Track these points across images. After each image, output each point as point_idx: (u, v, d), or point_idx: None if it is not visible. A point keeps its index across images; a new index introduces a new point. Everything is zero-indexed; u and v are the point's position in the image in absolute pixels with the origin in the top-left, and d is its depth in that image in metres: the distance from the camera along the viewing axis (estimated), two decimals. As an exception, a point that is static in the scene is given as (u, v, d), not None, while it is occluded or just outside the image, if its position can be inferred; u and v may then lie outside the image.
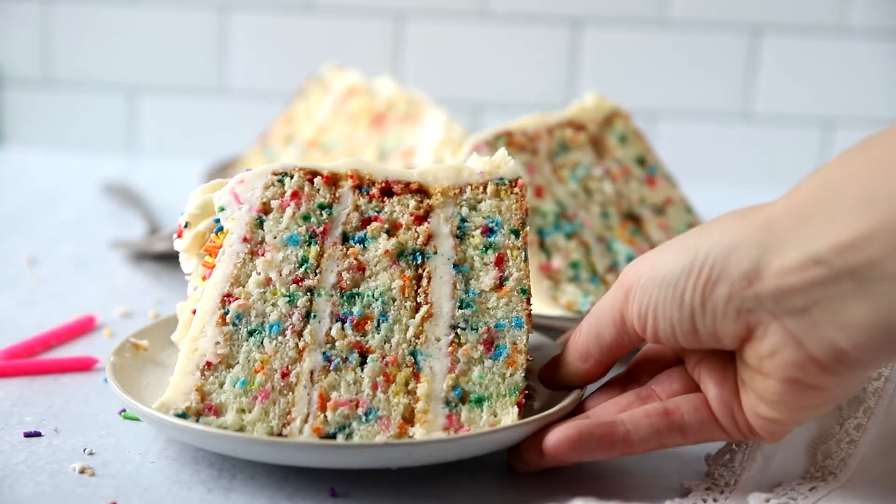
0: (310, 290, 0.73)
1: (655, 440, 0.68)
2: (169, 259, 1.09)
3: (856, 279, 0.59)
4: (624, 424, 0.68)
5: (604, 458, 0.69)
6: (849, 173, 0.61)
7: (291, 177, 0.76)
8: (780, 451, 0.71)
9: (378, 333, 0.72)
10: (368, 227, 0.75)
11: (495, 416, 0.71)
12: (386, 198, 0.76)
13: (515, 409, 0.71)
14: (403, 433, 0.70)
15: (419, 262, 0.75)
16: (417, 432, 0.70)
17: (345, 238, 0.75)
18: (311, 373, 0.71)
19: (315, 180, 0.76)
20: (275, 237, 0.74)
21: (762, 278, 0.62)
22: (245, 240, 0.74)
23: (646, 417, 0.68)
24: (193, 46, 1.65)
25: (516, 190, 0.77)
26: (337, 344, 0.72)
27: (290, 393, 0.70)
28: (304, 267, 0.74)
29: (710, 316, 0.64)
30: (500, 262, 0.75)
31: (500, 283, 0.74)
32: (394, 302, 0.73)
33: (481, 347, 0.73)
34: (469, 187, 0.77)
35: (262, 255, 0.74)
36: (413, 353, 0.72)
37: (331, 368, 0.71)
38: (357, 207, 0.76)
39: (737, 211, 0.65)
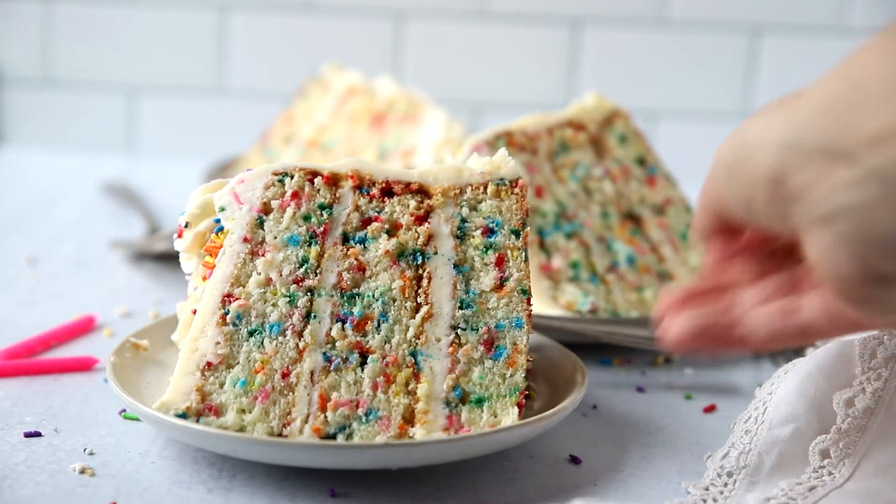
0: (310, 290, 0.73)
1: (777, 341, 0.63)
2: (169, 259, 1.09)
3: (884, 181, 0.53)
4: (741, 328, 0.64)
5: (727, 353, 0.65)
6: (881, 61, 0.55)
7: (292, 177, 0.76)
8: (779, 451, 0.71)
9: (378, 334, 0.72)
10: (369, 227, 0.75)
11: (495, 416, 0.71)
12: (386, 198, 0.76)
13: (515, 409, 0.71)
14: (403, 433, 0.70)
15: (419, 262, 0.75)
16: (417, 433, 0.70)
17: (345, 238, 0.75)
18: (312, 373, 0.71)
19: (315, 180, 0.76)
20: (275, 237, 0.74)
21: (788, 180, 0.56)
22: (245, 240, 0.74)
23: (765, 318, 0.63)
24: (193, 46, 1.65)
25: (516, 190, 0.76)
26: (337, 344, 0.72)
27: (291, 393, 0.70)
28: (304, 267, 0.73)
29: (761, 214, 0.59)
30: (500, 262, 0.75)
31: (500, 284, 0.74)
32: (394, 302, 0.73)
33: (481, 348, 0.73)
34: (469, 188, 0.77)
35: (263, 255, 0.74)
36: (413, 354, 0.72)
37: (331, 369, 0.71)
38: (357, 208, 0.76)
39: (781, 98, 0.60)
